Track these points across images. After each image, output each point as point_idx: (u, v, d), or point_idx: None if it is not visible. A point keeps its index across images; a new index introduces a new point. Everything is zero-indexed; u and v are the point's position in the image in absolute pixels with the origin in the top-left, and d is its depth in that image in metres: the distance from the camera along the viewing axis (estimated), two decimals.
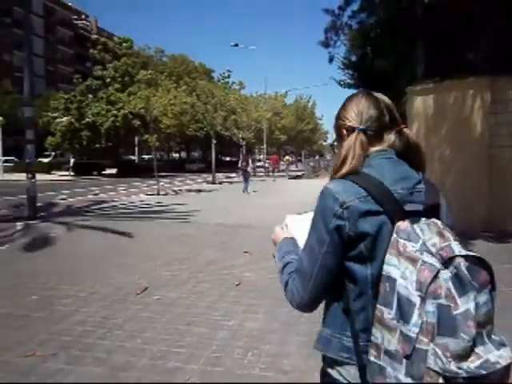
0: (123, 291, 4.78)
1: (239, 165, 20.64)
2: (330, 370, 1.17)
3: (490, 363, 0.89)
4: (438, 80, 8.76)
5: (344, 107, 1.24)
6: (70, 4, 60.14)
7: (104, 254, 6.73)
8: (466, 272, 0.92)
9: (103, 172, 37.26)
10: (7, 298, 4.60)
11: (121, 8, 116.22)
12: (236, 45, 37.02)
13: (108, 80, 34.97)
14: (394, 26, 10.42)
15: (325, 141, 77.69)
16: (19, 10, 35.49)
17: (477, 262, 0.94)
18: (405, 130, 1.21)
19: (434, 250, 0.97)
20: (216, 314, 4.06)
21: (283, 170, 39.29)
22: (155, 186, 18.60)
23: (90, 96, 34.53)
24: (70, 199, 16.11)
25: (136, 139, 40.41)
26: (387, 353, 0.95)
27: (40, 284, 5.07)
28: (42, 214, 11.24)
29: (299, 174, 36.48)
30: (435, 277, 0.92)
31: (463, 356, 0.88)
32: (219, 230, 8.78)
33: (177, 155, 64.88)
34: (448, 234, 1.02)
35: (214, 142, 26.09)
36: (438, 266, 0.93)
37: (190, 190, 20.12)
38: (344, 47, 14.04)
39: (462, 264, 0.93)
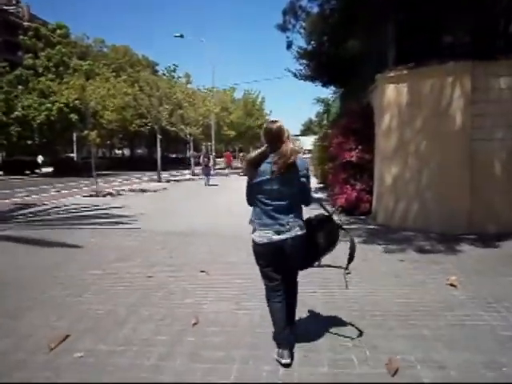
0: (31, 343, 3.35)
1: (201, 161, 23.15)
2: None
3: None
4: (412, 66, 7.88)
5: (262, 130, 2.95)
6: None
7: (17, 278, 5.18)
8: None
9: (37, 171, 34.14)
10: None
11: None
12: (181, 36, 35.07)
13: (40, 70, 31.91)
14: (357, 7, 9.47)
15: None
16: None
17: None
18: (282, 145, 2.83)
19: None
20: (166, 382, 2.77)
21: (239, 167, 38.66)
22: (94, 187, 16.71)
23: (21, 87, 31.31)
24: None
25: (74, 135, 37.50)
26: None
27: None
28: None
29: None
30: None
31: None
32: (168, 240, 7.39)
33: (119, 152, 61.75)
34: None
35: (160, 137, 24.34)
36: None
37: (133, 190, 18.33)
38: (302, 34, 12.94)
39: None
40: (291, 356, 2.97)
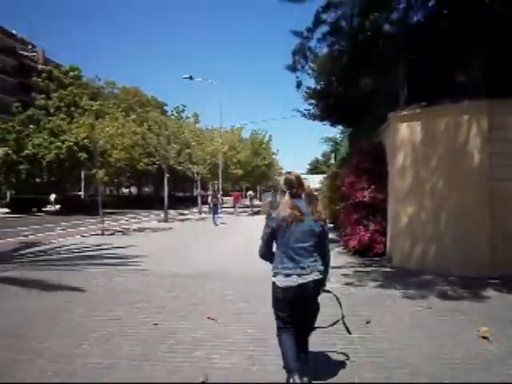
0: None
1: (209, 200, 23.91)
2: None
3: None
4: (425, 105, 7.76)
5: (282, 180, 3.23)
6: (14, 32, 57.25)
7: (17, 324, 4.84)
8: None
9: (44, 209, 34.13)
10: None
11: (72, 41, 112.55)
12: (190, 77, 35.85)
13: (52, 110, 32.50)
14: (367, 49, 9.49)
15: (280, 176, 77.45)
16: None
17: None
18: (306, 189, 3.20)
19: None
20: None
21: (248, 206, 38.85)
22: (100, 225, 16.49)
23: (32, 127, 31.82)
24: None
25: (83, 173, 37.82)
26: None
27: None
28: None
29: (260, 209, 35.67)
30: None
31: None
32: (173, 283, 7.06)
33: (127, 190, 62.08)
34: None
35: (167, 176, 24.31)
36: None
37: (139, 229, 18.11)
38: (311, 75, 13.00)
39: None
40: (301, 377, 2.89)
